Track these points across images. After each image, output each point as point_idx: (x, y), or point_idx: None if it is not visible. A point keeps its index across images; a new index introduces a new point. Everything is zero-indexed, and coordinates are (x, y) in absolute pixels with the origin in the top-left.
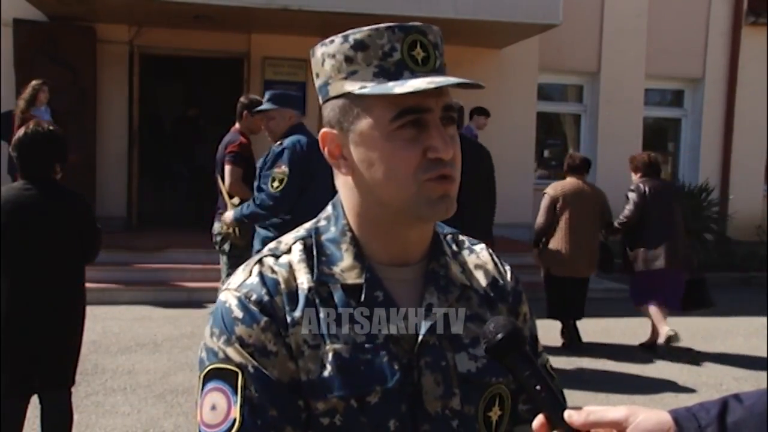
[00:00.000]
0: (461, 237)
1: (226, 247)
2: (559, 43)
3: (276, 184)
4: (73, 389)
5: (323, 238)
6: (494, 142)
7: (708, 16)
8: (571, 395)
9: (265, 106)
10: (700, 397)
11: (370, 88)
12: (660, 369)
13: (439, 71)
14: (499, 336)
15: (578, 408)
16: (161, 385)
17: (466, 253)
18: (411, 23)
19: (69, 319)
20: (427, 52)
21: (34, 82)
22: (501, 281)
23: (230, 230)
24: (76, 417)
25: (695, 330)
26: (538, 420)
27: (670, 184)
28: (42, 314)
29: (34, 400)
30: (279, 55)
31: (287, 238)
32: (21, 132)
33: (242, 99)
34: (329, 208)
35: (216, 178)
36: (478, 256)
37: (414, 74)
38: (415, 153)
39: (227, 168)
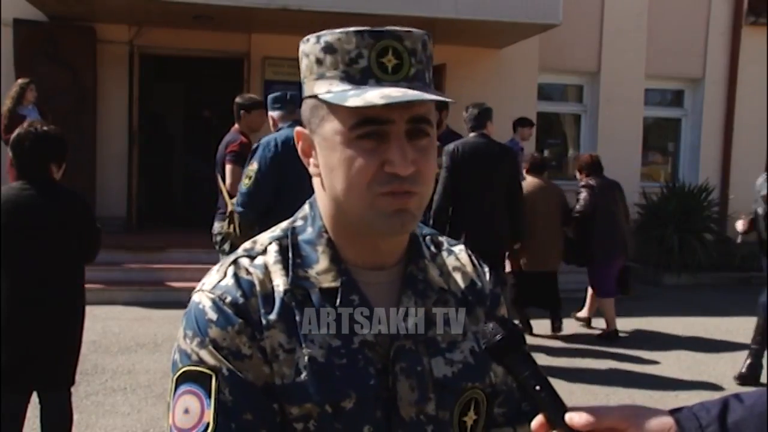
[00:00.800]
0: (440, 238)
1: (226, 247)
2: (559, 43)
3: (246, 180)
4: (73, 389)
5: (300, 238)
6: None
7: (708, 16)
8: (571, 395)
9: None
10: (700, 397)
11: (332, 95)
12: (660, 369)
13: (413, 80)
14: (498, 336)
15: (578, 408)
16: (161, 385)
17: (444, 254)
18: (385, 28)
19: (68, 319)
20: (400, 59)
21: (20, 81)
22: (479, 284)
23: (230, 230)
24: (76, 417)
25: (695, 330)
26: (538, 420)
27: (614, 181)
28: (41, 314)
29: (34, 399)
30: (279, 55)
31: (262, 238)
32: (17, 132)
33: (238, 99)
34: (306, 207)
35: (216, 178)
36: (457, 257)
37: (379, 83)
38: (372, 164)
39: (228, 168)
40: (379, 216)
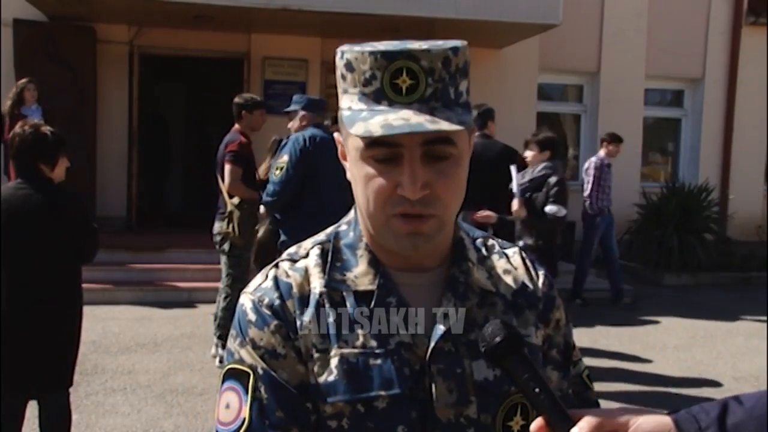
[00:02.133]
0: (492, 241)
1: (226, 246)
2: (559, 43)
3: (278, 171)
4: (72, 389)
5: (342, 243)
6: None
7: (708, 16)
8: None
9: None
10: (700, 398)
11: (349, 113)
12: (660, 369)
13: (429, 100)
14: (497, 339)
15: (578, 411)
16: (161, 385)
17: (495, 257)
18: (401, 48)
19: (66, 319)
20: (415, 80)
21: (20, 81)
22: (531, 287)
23: (229, 230)
24: (76, 417)
25: (695, 330)
26: (537, 423)
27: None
28: (39, 314)
29: (33, 400)
30: (279, 55)
31: (307, 243)
32: (12, 132)
33: (237, 99)
34: (351, 213)
35: (216, 178)
36: (509, 260)
37: (392, 105)
38: (387, 185)
39: (227, 167)
40: (392, 236)
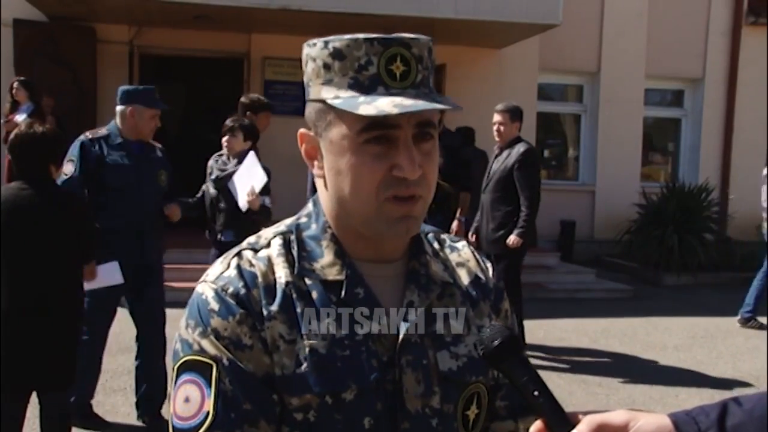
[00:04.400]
0: (443, 235)
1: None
2: (559, 43)
3: None
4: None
5: (304, 234)
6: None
7: (708, 16)
8: (570, 395)
9: None
10: (700, 398)
11: (341, 100)
12: (660, 369)
13: (419, 86)
14: (496, 342)
15: (578, 413)
16: None
17: (447, 251)
18: (394, 35)
19: (67, 319)
20: (408, 66)
21: (11, 83)
22: (483, 278)
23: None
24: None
25: (695, 330)
26: (536, 426)
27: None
28: (40, 314)
29: (34, 400)
30: (279, 55)
31: (267, 233)
32: (14, 133)
33: (243, 99)
34: (310, 206)
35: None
36: (460, 254)
37: (388, 90)
38: (380, 168)
39: None
40: (384, 221)
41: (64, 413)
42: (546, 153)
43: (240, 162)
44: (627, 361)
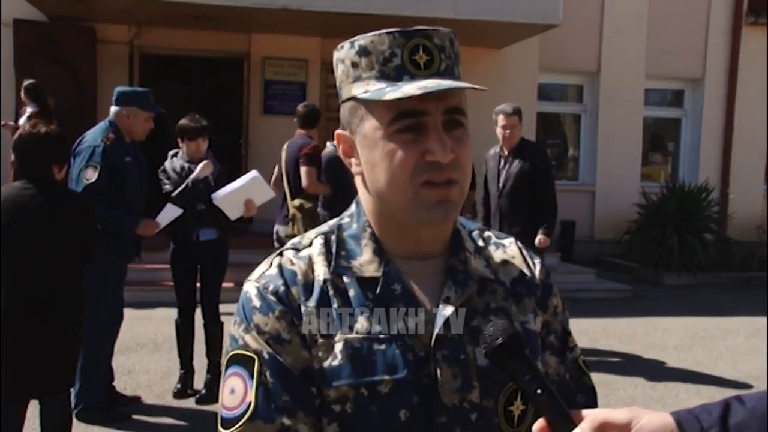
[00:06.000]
0: (488, 233)
1: None
2: (559, 43)
3: None
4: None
5: (345, 234)
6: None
7: (708, 16)
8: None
9: None
10: (700, 398)
11: (370, 93)
12: (660, 369)
13: (444, 74)
14: (499, 340)
15: (580, 412)
16: (161, 385)
17: (492, 248)
18: (415, 28)
19: (68, 319)
20: (431, 56)
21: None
22: (528, 274)
23: (295, 232)
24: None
25: (695, 330)
26: (539, 424)
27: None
28: (41, 315)
29: (34, 400)
30: (279, 55)
31: (310, 234)
32: (18, 133)
33: (316, 106)
34: (353, 206)
35: (280, 180)
36: (506, 251)
37: (413, 78)
38: (413, 155)
39: (303, 169)
40: (422, 207)
41: (64, 413)
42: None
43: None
44: (627, 361)
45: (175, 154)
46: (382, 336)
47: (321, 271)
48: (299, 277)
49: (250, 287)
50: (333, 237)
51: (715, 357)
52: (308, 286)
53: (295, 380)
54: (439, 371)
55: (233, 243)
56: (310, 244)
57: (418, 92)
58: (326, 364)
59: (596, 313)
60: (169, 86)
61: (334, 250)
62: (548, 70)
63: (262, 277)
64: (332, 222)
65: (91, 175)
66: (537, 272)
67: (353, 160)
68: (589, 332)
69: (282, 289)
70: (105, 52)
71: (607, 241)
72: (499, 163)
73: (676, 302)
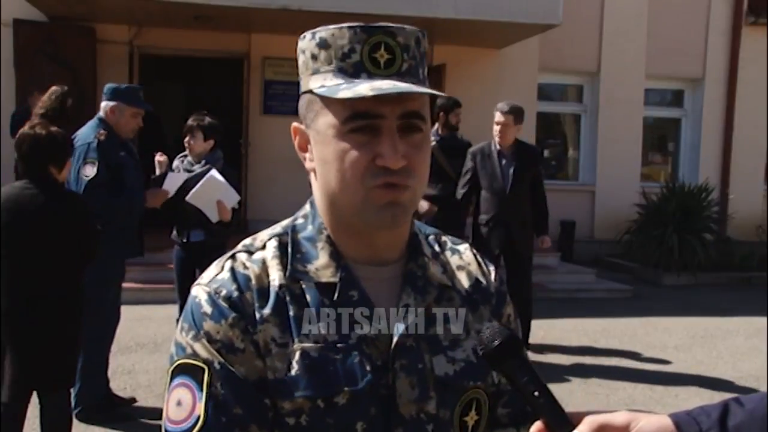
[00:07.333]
0: (444, 237)
1: None
2: (559, 43)
3: None
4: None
5: (300, 236)
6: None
7: (708, 16)
8: (571, 395)
9: None
10: (700, 398)
11: (325, 88)
12: (660, 369)
13: (405, 75)
14: (496, 342)
15: (579, 413)
16: (161, 385)
17: (448, 253)
18: (378, 24)
19: (68, 319)
20: (392, 54)
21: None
22: (484, 282)
23: None
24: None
25: (695, 330)
26: (537, 426)
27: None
28: (41, 314)
29: (34, 399)
30: (279, 55)
31: (262, 235)
32: (19, 133)
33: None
34: (307, 206)
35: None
36: (461, 256)
37: (371, 77)
38: (364, 157)
39: None
40: (371, 208)
41: (64, 413)
42: (546, 153)
43: (203, 162)
44: (627, 361)
45: (185, 156)
46: (339, 345)
47: (276, 276)
48: (253, 281)
49: (199, 292)
50: (287, 239)
51: (715, 357)
52: (263, 292)
53: (248, 392)
54: (397, 381)
55: (233, 243)
56: (264, 247)
57: (371, 93)
58: (281, 374)
59: (596, 313)
60: (169, 86)
61: (289, 253)
62: (548, 70)
63: (214, 281)
64: (285, 222)
65: (90, 171)
66: (492, 280)
67: (307, 155)
68: (589, 332)
69: (235, 294)
70: (105, 52)
71: (607, 241)
72: (500, 162)
73: (676, 302)
